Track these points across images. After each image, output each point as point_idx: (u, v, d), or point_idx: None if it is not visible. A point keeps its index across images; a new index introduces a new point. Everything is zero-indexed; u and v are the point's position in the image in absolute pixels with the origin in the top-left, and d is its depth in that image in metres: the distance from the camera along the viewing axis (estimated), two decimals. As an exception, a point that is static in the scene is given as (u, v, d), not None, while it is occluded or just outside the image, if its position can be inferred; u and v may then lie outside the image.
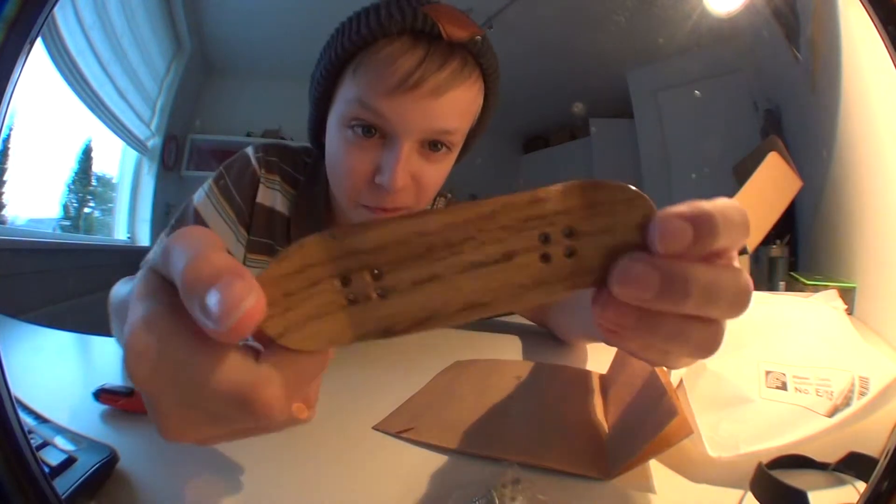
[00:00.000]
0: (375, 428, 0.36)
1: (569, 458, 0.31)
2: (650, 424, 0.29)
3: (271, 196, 0.57)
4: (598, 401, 0.40)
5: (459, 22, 0.43)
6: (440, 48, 0.42)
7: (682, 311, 0.19)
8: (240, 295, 0.16)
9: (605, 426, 0.35)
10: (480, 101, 0.49)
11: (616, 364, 0.44)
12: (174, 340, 0.18)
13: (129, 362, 0.18)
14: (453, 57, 0.43)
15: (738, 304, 0.19)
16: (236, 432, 0.21)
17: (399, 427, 0.36)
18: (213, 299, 0.16)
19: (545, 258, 0.18)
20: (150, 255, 0.57)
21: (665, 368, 0.35)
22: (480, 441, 0.33)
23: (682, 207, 0.18)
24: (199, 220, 0.55)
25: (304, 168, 0.58)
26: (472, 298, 0.18)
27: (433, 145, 0.46)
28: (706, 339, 0.20)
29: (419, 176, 0.46)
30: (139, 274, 0.21)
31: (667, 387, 0.31)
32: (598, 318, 0.20)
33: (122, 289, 0.49)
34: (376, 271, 0.18)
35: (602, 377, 0.45)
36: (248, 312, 0.16)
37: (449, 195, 0.69)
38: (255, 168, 0.56)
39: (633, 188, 0.18)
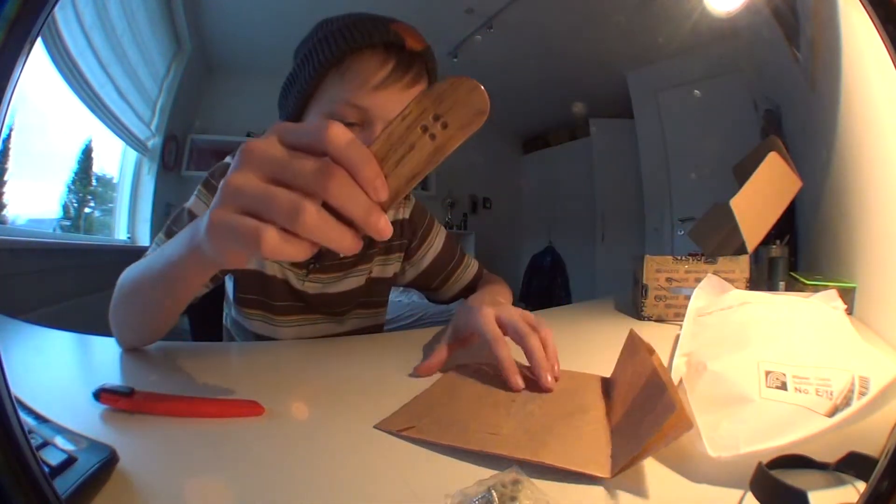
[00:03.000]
0: (377, 427, 0.37)
1: (568, 455, 0.31)
2: (650, 421, 0.29)
3: None
4: (600, 401, 0.40)
5: (416, 37, 0.59)
6: (405, 56, 0.57)
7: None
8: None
9: (608, 425, 0.35)
10: None
11: (619, 365, 0.44)
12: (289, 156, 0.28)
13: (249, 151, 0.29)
14: (414, 62, 0.58)
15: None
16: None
17: (400, 426, 0.36)
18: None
19: (432, 137, 0.29)
20: (149, 254, 0.58)
21: (661, 368, 0.35)
22: (480, 438, 0.33)
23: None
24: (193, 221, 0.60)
25: None
26: (414, 171, 0.29)
27: None
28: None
29: None
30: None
31: (667, 383, 0.31)
32: None
33: (134, 269, 0.52)
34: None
35: (605, 379, 0.45)
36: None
37: (412, 198, 0.81)
38: None
39: (453, 80, 0.28)
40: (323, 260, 0.70)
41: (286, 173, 0.28)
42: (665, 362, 0.50)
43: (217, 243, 0.31)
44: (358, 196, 0.28)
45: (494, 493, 0.25)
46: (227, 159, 0.66)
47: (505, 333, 0.47)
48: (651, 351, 0.39)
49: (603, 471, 0.29)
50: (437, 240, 0.82)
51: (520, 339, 0.46)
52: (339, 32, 0.57)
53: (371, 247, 0.75)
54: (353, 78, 0.56)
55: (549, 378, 0.43)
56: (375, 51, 0.57)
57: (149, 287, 0.48)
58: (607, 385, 0.43)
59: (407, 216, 0.79)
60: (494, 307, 0.50)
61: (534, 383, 0.44)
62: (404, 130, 0.28)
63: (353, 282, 0.74)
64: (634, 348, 0.41)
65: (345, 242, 0.28)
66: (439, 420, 0.37)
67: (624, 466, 0.28)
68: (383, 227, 0.29)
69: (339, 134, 0.28)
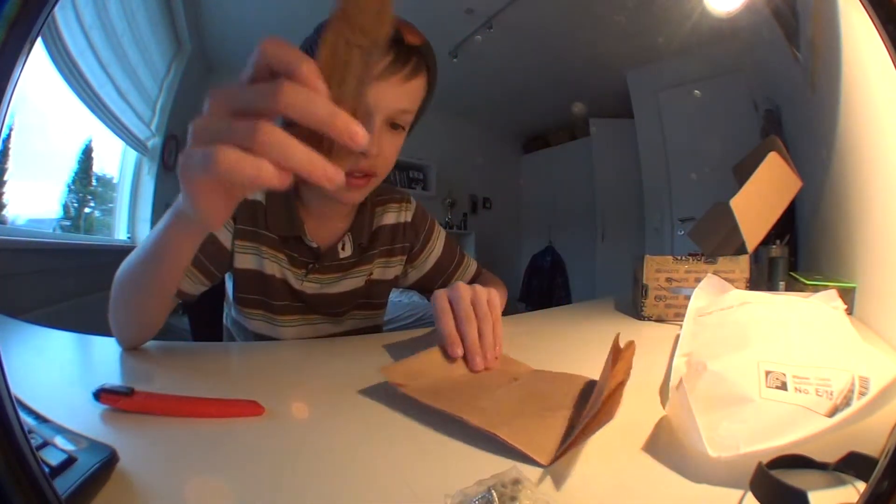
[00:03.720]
0: (382, 369, 0.43)
1: (522, 436, 0.32)
2: (582, 418, 0.33)
3: None
4: (578, 401, 0.40)
5: (415, 33, 0.60)
6: (403, 50, 0.58)
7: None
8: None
9: (573, 422, 0.36)
10: (425, 91, 0.64)
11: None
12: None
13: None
14: (412, 56, 0.59)
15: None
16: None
17: (397, 380, 0.41)
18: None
19: (359, 47, 0.30)
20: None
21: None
22: (453, 405, 0.37)
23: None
24: None
25: None
26: (358, 82, 0.31)
27: (393, 123, 0.61)
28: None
29: (383, 145, 0.61)
30: None
31: (605, 385, 0.33)
32: None
33: (127, 259, 0.53)
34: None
35: (593, 382, 0.45)
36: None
37: (413, 201, 0.83)
38: None
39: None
40: (322, 260, 0.71)
41: (243, 101, 0.29)
42: (665, 362, 0.50)
43: (185, 180, 0.32)
44: (315, 100, 0.28)
45: (494, 493, 0.25)
46: None
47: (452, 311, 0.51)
48: (617, 354, 0.39)
49: (542, 458, 0.31)
50: (438, 242, 0.83)
51: (458, 323, 0.49)
52: None
53: (371, 248, 0.76)
54: None
55: (478, 361, 0.47)
56: None
57: (140, 268, 0.50)
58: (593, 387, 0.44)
59: (409, 219, 0.80)
60: (449, 287, 0.53)
61: (526, 379, 0.46)
62: (331, 52, 0.30)
63: (352, 283, 0.74)
64: (610, 354, 0.41)
65: (311, 164, 0.28)
66: (429, 384, 0.42)
67: (557, 457, 0.31)
68: (355, 129, 0.28)
69: (271, 41, 0.28)
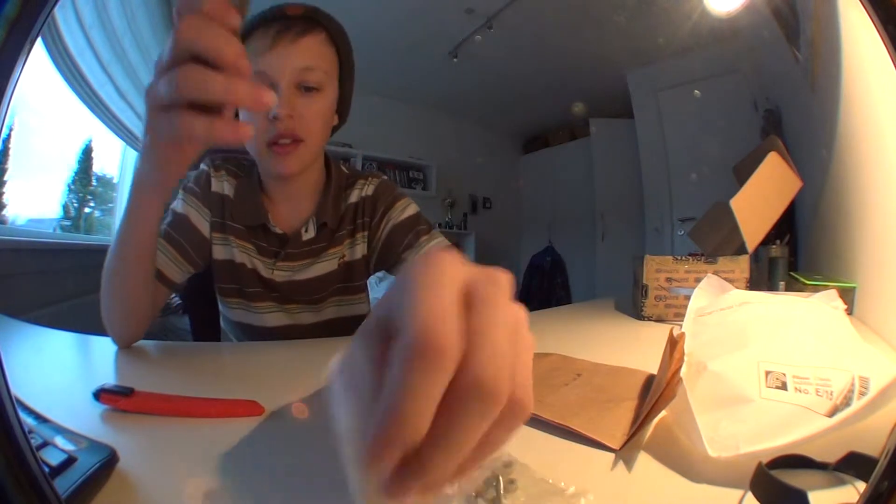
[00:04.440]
0: None
1: (590, 425, 0.35)
2: (647, 401, 0.35)
3: (221, 186, 0.74)
4: (640, 394, 0.43)
5: (297, 6, 0.66)
6: (287, 21, 0.65)
7: None
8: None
9: (637, 412, 0.38)
10: (331, 49, 0.69)
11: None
12: None
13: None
14: (296, 23, 0.65)
15: None
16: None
17: None
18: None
19: None
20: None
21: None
22: None
23: None
24: (176, 216, 0.70)
25: (242, 166, 0.77)
26: None
27: (306, 86, 0.65)
28: None
29: (299, 108, 0.64)
30: None
31: (662, 370, 0.35)
32: None
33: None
34: None
35: (653, 376, 0.47)
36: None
37: (377, 176, 0.82)
38: (206, 169, 0.75)
39: None
40: (288, 246, 0.72)
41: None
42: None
43: (148, 133, 0.41)
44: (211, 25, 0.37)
45: (493, 492, 0.25)
46: (202, 166, 0.75)
47: None
48: (673, 344, 0.41)
49: (613, 442, 0.33)
50: (400, 214, 0.75)
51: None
52: (244, 28, 0.66)
53: (340, 230, 0.74)
54: (249, 52, 0.62)
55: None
56: (261, 27, 0.65)
57: (117, 246, 0.53)
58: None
59: (369, 193, 0.76)
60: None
61: (589, 373, 0.49)
62: None
63: (324, 266, 0.74)
64: (667, 345, 0.43)
65: (200, 76, 0.36)
66: None
67: (626, 440, 0.33)
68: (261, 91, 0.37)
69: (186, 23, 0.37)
